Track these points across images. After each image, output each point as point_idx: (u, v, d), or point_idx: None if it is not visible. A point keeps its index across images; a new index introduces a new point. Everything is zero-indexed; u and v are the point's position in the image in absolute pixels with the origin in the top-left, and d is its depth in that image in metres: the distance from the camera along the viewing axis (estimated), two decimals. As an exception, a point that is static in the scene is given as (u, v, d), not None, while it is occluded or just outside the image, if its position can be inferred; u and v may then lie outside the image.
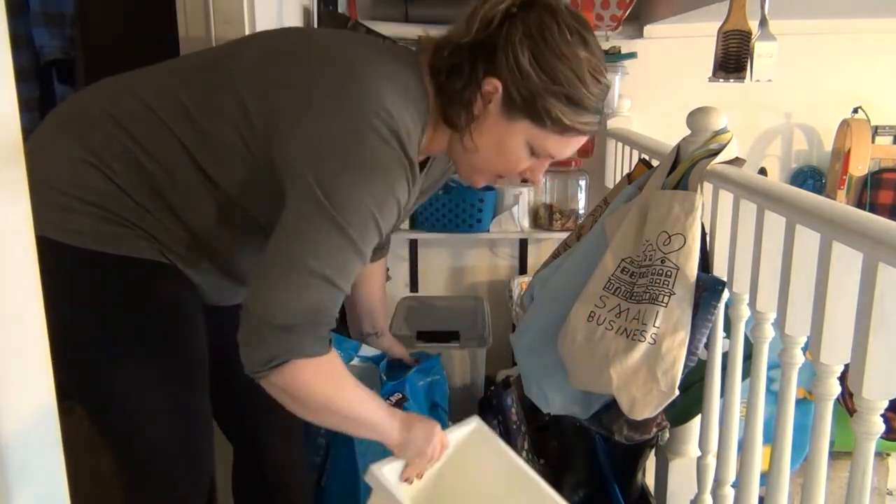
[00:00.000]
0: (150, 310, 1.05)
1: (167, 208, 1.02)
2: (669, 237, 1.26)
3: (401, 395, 1.69)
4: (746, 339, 1.30)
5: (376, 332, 1.64)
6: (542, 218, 2.43)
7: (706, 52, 1.69)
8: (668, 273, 1.24)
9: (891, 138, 2.44)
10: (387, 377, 1.79)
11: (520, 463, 1.23)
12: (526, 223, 2.43)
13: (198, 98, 1.01)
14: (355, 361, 1.86)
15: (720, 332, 1.35)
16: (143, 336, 1.05)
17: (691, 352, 1.24)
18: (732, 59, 1.64)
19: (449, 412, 1.86)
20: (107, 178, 0.99)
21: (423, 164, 1.14)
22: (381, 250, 1.52)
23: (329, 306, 0.94)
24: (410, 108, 0.98)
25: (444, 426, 1.80)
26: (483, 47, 0.98)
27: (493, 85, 0.98)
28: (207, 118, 1.00)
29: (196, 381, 1.12)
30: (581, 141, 1.06)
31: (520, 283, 2.45)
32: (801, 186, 1.77)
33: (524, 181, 1.12)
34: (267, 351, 0.91)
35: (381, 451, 1.56)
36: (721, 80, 1.67)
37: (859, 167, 2.35)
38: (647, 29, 2.38)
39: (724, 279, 1.28)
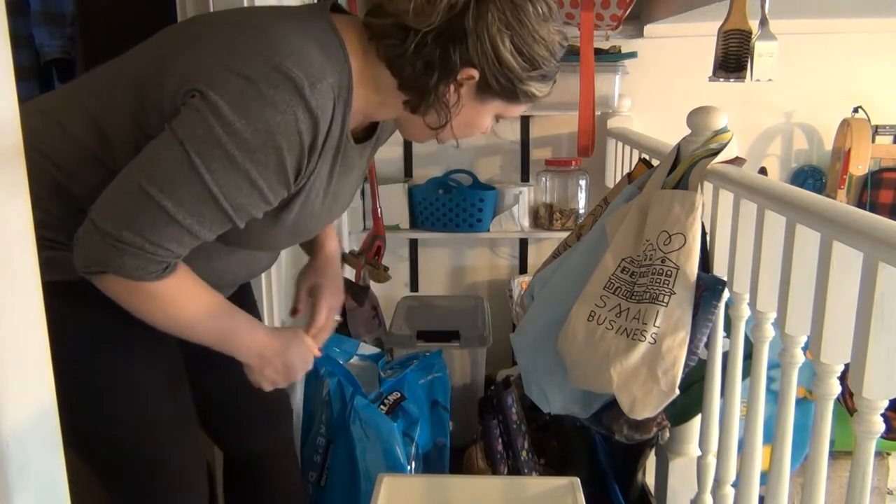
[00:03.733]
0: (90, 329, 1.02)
1: None
2: (670, 237, 1.26)
3: (399, 395, 1.69)
4: (746, 339, 1.30)
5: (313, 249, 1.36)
6: (543, 218, 2.43)
7: (706, 51, 1.69)
8: (669, 273, 1.24)
9: (891, 138, 2.44)
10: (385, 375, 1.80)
11: None
12: (526, 223, 2.43)
13: (98, 101, 0.98)
14: (354, 360, 1.87)
15: (720, 332, 1.35)
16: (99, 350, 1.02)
17: (692, 351, 1.24)
18: (733, 59, 1.64)
19: (449, 411, 1.86)
20: (35, 207, 0.93)
21: (373, 128, 1.11)
22: None
23: (161, 238, 0.88)
24: (322, 58, 0.91)
25: (446, 424, 1.82)
26: (450, 34, 0.91)
27: (469, 74, 0.94)
28: (106, 119, 0.97)
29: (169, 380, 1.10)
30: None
31: (520, 283, 2.45)
32: (801, 186, 1.77)
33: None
34: (88, 254, 0.89)
35: (382, 452, 1.57)
36: (721, 79, 1.67)
37: (859, 167, 2.35)
38: (648, 28, 2.38)
39: (725, 279, 1.28)
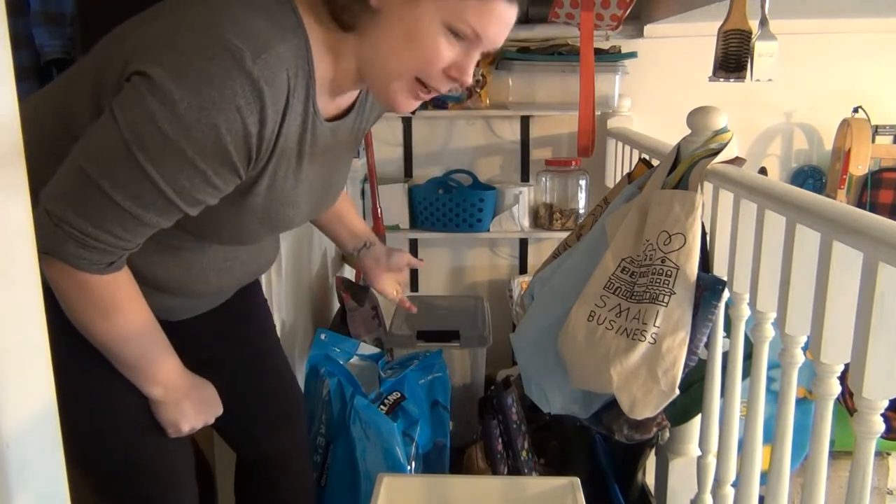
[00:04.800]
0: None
1: None
2: (670, 237, 1.26)
3: (399, 395, 1.69)
4: (746, 339, 1.30)
5: (364, 243, 1.47)
6: (542, 218, 2.43)
7: (706, 51, 1.69)
8: (669, 273, 1.24)
9: (891, 138, 2.44)
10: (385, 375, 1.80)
11: None
12: (526, 223, 2.43)
13: (65, 88, 0.96)
14: (354, 360, 1.87)
15: (720, 332, 1.35)
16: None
17: (691, 351, 1.24)
18: (733, 59, 1.64)
19: (450, 411, 1.86)
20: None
21: (353, 105, 1.05)
22: None
23: (104, 221, 0.85)
24: (269, 28, 0.85)
25: (446, 424, 1.82)
26: None
27: None
28: (70, 105, 0.94)
29: None
30: (504, 9, 0.90)
31: (520, 283, 2.45)
32: (801, 186, 1.77)
33: (451, 79, 0.93)
34: (37, 234, 0.87)
35: (382, 452, 1.57)
36: (721, 79, 1.67)
37: (859, 167, 2.35)
38: (648, 28, 2.38)
39: (725, 279, 1.28)
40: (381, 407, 1.64)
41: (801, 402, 1.32)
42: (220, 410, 1.11)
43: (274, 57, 0.84)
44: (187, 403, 1.05)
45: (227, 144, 0.83)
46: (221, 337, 1.24)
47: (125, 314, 0.95)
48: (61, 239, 0.85)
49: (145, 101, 0.81)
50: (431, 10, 0.87)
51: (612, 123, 2.34)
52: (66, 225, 0.85)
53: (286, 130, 0.89)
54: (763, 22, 1.61)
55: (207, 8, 0.86)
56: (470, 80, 0.94)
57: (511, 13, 0.92)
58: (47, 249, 0.86)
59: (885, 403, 0.91)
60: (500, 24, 0.91)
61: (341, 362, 1.75)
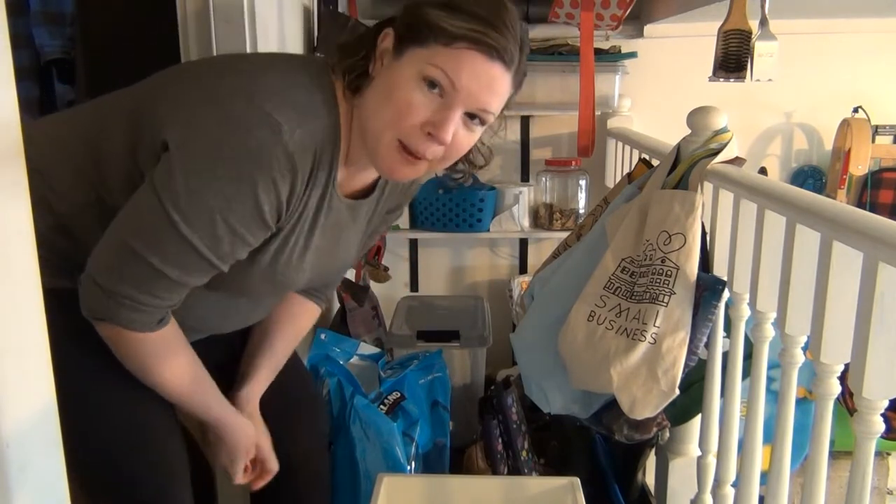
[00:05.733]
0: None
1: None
2: (670, 237, 1.26)
3: (399, 395, 1.69)
4: (746, 339, 1.30)
5: (246, 395, 1.20)
6: (542, 218, 2.43)
7: (706, 51, 1.69)
8: (669, 273, 1.24)
9: (891, 138, 2.44)
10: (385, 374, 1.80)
11: None
12: (526, 223, 2.43)
13: (95, 130, 1.00)
14: (354, 360, 1.87)
15: (720, 332, 1.35)
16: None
17: (692, 351, 1.24)
18: (733, 59, 1.64)
19: (450, 411, 1.86)
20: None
21: (373, 188, 1.09)
22: (315, 291, 1.28)
23: (153, 288, 0.91)
24: (306, 103, 0.91)
25: (446, 424, 1.82)
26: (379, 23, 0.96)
27: (385, 33, 0.93)
28: (102, 148, 0.98)
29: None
30: (478, 61, 0.90)
31: (520, 283, 2.45)
32: (801, 186, 1.77)
33: (429, 136, 0.92)
34: (88, 303, 0.92)
35: (382, 452, 1.57)
36: (721, 79, 1.67)
37: (859, 167, 2.35)
38: (648, 28, 2.38)
39: (725, 279, 1.28)
40: (381, 407, 1.64)
41: (801, 402, 1.32)
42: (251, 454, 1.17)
43: (308, 132, 0.89)
44: (237, 437, 1.12)
45: (264, 212, 0.90)
46: (237, 340, 1.26)
47: (179, 357, 1.01)
48: (114, 307, 0.91)
49: (187, 175, 0.86)
50: (409, 64, 0.91)
51: (612, 123, 2.34)
52: (119, 296, 0.91)
53: (307, 201, 0.95)
54: (763, 22, 1.61)
55: (247, 75, 0.92)
56: (448, 138, 0.92)
57: (488, 67, 0.90)
58: (102, 316, 0.93)
59: (885, 403, 0.91)
60: (474, 74, 0.90)
61: (341, 362, 1.75)
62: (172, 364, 1.01)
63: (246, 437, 1.15)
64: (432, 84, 0.90)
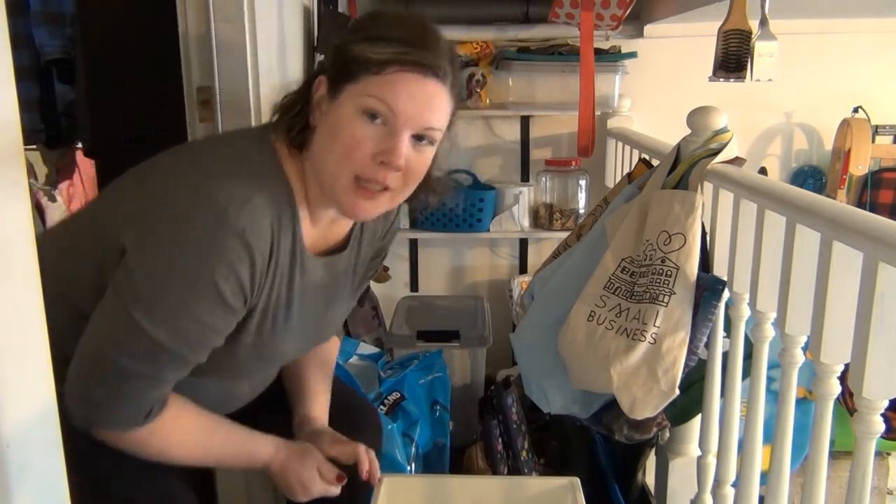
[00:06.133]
0: None
1: None
2: (670, 237, 1.26)
3: (399, 395, 1.69)
4: (746, 339, 1.30)
5: (299, 419, 1.21)
6: (542, 218, 2.43)
7: (706, 51, 1.69)
8: (669, 273, 1.24)
9: (891, 138, 2.44)
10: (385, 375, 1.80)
11: None
12: (526, 223, 2.43)
13: (66, 240, 1.02)
14: (354, 360, 1.87)
15: (720, 332, 1.35)
16: None
17: (692, 351, 1.24)
18: (733, 59, 1.64)
19: (450, 411, 1.86)
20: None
21: (346, 240, 1.08)
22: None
23: (129, 389, 0.90)
24: (249, 177, 0.91)
25: (446, 424, 1.82)
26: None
27: (319, 81, 0.95)
28: (70, 257, 0.99)
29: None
30: (411, 81, 0.90)
31: (520, 283, 2.45)
32: (801, 186, 1.77)
33: (383, 165, 0.92)
34: (73, 413, 0.90)
35: (385, 455, 1.57)
36: (721, 79, 1.67)
37: (859, 167, 2.35)
38: (648, 28, 2.38)
39: (725, 279, 1.28)
40: (381, 407, 1.64)
41: (801, 402, 1.32)
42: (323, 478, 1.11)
43: (255, 206, 0.89)
44: (296, 464, 1.08)
45: (226, 299, 0.89)
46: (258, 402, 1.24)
47: (186, 435, 0.99)
48: (98, 413, 0.91)
49: (145, 274, 0.87)
50: (346, 102, 0.92)
51: (612, 123, 2.34)
52: (98, 401, 0.90)
53: (276, 271, 0.94)
54: (763, 22, 1.61)
55: (190, 168, 0.93)
56: (401, 162, 0.92)
57: (422, 85, 0.91)
58: (90, 423, 0.91)
59: (885, 403, 0.91)
60: (410, 95, 0.91)
61: (340, 362, 1.75)
62: (180, 443, 0.99)
63: (300, 464, 1.09)
64: (373, 115, 0.91)
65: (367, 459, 1.14)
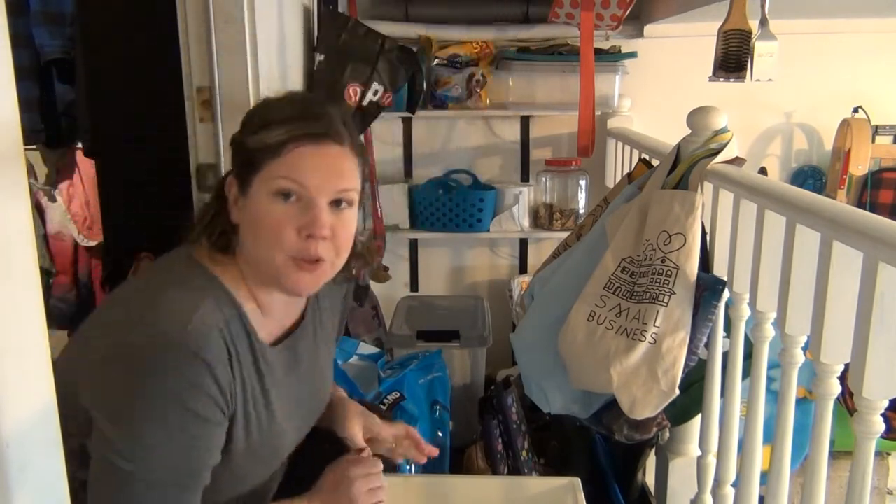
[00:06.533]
0: None
1: None
2: (670, 237, 1.26)
3: (398, 395, 1.69)
4: (746, 339, 1.30)
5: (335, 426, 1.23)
6: (543, 218, 2.43)
7: (706, 51, 1.69)
8: (669, 273, 1.24)
9: (891, 138, 2.44)
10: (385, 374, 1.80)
11: None
12: (526, 223, 2.43)
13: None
14: (354, 360, 1.87)
15: (720, 332, 1.35)
16: None
17: (692, 351, 1.24)
18: (733, 59, 1.64)
19: (450, 411, 1.86)
20: None
21: (304, 312, 1.09)
22: None
23: None
24: (183, 298, 0.91)
25: (446, 424, 1.82)
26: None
27: (229, 182, 0.98)
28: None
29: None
30: (309, 152, 0.93)
31: (520, 283, 2.45)
32: (801, 186, 1.77)
33: (309, 237, 0.94)
34: None
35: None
36: (721, 79, 1.67)
37: (859, 167, 2.35)
38: (648, 28, 2.38)
39: (725, 279, 1.28)
40: (381, 406, 1.64)
41: (801, 402, 1.32)
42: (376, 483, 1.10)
43: (199, 323, 0.89)
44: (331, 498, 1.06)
45: (204, 414, 0.89)
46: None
47: None
48: None
49: (126, 437, 0.86)
50: (257, 189, 0.94)
51: (612, 123, 2.34)
52: None
53: (242, 374, 0.94)
54: (763, 22, 1.61)
55: (124, 316, 0.93)
56: (325, 231, 0.94)
57: (322, 153, 0.94)
58: None
59: (885, 403, 0.91)
60: (314, 166, 0.93)
61: (339, 362, 1.75)
62: None
63: (335, 498, 1.08)
64: (286, 195, 0.93)
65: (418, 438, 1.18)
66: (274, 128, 0.93)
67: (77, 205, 2.29)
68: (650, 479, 1.78)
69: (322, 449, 1.17)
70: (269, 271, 0.96)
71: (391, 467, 1.27)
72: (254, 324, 0.97)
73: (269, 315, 1.02)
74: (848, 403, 1.91)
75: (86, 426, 0.90)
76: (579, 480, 1.25)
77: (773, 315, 1.17)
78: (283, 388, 1.03)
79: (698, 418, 1.45)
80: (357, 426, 1.19)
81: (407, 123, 2.50)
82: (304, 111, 0.96)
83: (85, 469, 0.90)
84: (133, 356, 0.87)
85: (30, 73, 1.96)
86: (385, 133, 2.49)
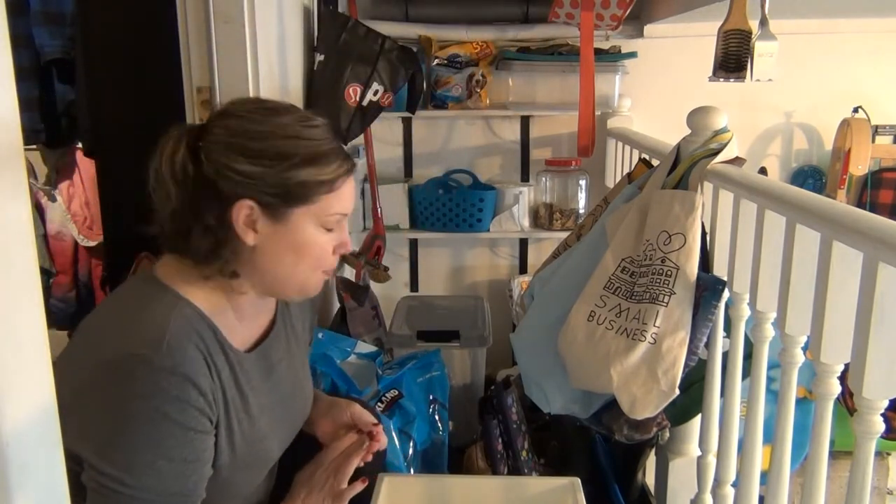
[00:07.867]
0: None
1: None
2: (670, 237, 1.26)
3: (397, 392, 1.69)
4: (746, 339, 1.30)
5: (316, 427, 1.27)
6: (542, 217, 2.43)
7: (706, 51, 1.69)
8: (669, 273, 1.24)
9: (891, 138, 2.44)
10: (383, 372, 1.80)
11: None
12: (526, 223, 2.43)
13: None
14: (352, 358, 1.87)
15: (720, 332, 1.35)
16: None
17: (692, 351, 1.24)
18: (733, 59, 1.64)
19: (449, 411, 1.86)
20: None
21: (274, 318, 1.11)
22: None
23: None
24: (151, 316, 0.91)
25: (445, 422, 1.82)
26: (200, 192, 0.93)
27: (246, 206, 0.94)
28: None
29: None
30: (349, 182, 1.01)
31: (520, 283, 2.45)
32: (801, 186, 1.77)
33: (339, 255, 1.05)
34: None
35: (390, 456, 1.56)
36: (721, 79, 1.67)
37: (859, 167, 2.35)
38: (648, 28, 2.38)
39: (725, 279, 1.28)
40: (379, 404, 1.64)
41: (801, 402, 1.32)
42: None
43: (173, 339, 0.90)
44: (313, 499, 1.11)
45: (194, 427, 0.91)
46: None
47: None
48: None
49: (106, 454, 0.86)
50: (303, 219, 0.98)
51: (612, 123, 2.34)
52: None
53: (222, 383, 0.96)
54: (763, 22, 1.61)
55: (102, 332, 0.94)
56: (350, 245, 1.05)
57: (352, 180, 1.03)
58: None
59: (885, 403, 0.91)
60: (350, 196, 1.02)
61: (337, 361, 1.75)
62: None
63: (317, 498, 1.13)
64: (328, 226, 1.01)
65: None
66: (327, 162, 0.97)
67: (77, 205, 2.29)
68: (650, 479, 1.78)
69: (314, 455, 1.19)
70: (297, 286, 1.03)
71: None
72: (225, 334, 0.98)
73: (242, 318, 1.04)
74: (848, 403, 1.91)
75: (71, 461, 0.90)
76: (579, 480, 1.25)
77: (773, 315, 1.17)
78: (261, 394, 1.04)
79: (698, 418, 1.45)
80: (327, 425, 1.23)
81: (407, 123, 2.50)
82: (334, 139, 1.01)
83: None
84: (110, 384, 0.87)
85: (30, 73, 1.96)
86: (385, 133, 2.50)
